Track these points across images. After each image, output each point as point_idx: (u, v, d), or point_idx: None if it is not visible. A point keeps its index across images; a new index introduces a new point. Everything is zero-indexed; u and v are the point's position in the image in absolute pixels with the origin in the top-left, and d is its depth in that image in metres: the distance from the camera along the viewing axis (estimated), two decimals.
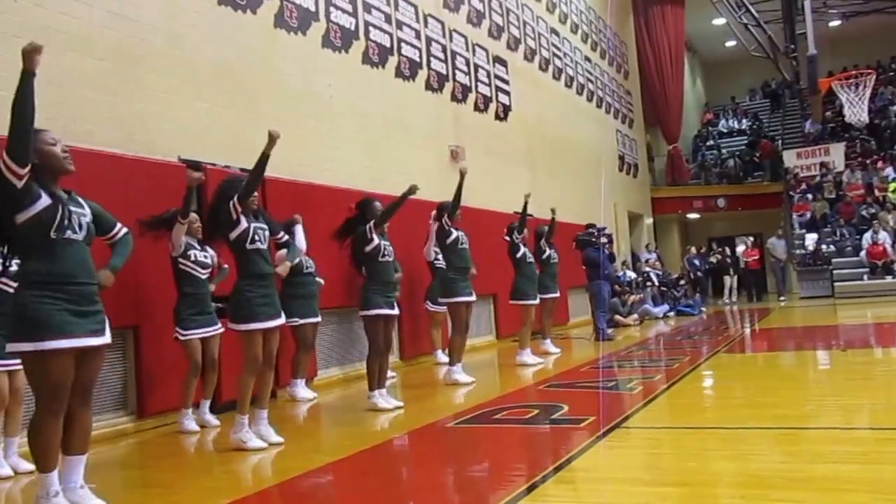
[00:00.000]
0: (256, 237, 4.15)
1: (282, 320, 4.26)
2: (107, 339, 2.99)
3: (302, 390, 5.94)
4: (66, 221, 2.85)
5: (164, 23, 5.82)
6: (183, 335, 4.77)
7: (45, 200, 2.82)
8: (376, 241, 5.19)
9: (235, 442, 4.04)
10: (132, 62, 5.52)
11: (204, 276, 4.91)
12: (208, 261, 4.94)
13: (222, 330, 4.88)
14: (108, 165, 5.01)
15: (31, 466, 3.85)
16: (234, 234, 4.12)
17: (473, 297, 6.33)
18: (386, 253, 5.21)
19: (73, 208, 2.93)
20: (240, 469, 3.82)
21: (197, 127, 5.99)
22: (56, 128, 4.78)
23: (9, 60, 4.66)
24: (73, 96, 5.06)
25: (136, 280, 5.00)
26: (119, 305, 4.91)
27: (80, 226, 2.92)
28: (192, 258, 4.83)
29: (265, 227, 4.25)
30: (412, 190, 5.42)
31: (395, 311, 5.29)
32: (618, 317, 11.69)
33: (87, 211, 3.02)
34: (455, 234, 6.29)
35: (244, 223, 4.12)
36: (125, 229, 3.21)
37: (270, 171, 6.34)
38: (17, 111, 2.76)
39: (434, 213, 6.49)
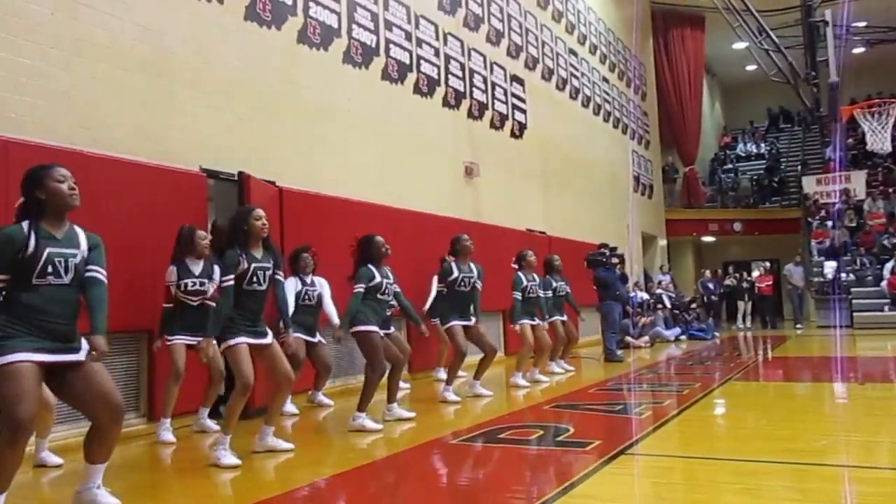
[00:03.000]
0: (255, 279, 4.13)
1: (270, 339, 4.22)
2: (79, 357, 2.91)
3: (290, 406, 5.91)
4: (49, 268, 2.85)
5: (191, 37, 5.94)
6: (169, 340, 4.81)
7: (30, 246, 2.83)
8: (378, 278, 5.15)
9: (212, 459, 4.01)
10: (160, 74, 5.63)
11: (195, 304, 4.90)
12: (204, 289, 4.91)
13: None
14: (133, 173, 5.14)
15: (59, 460, 4.02)
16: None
17: (472, 321, 6.29)
18: (386, 291, 5.21)
19: (61, 250, 2.89)
20: (243, 477, 3.83)
21: (219, 138, 6.08)
22: (86, 136, 4.97)
23: (44, 71, 4.79)
24: (103, 106, 5.19)
25: (151, 285, 5.08)
26: (133, 309, 4.99)
27: (67, 269, 2.90)
28: (184, 288, 4.84)
29: (269, 265, 4.20)
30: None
31: (390, 330, 5.29)
32: (628, 338, 11.60)
33: (82, 248, 2.98)
34: (455, 273, 6.24)
35: (245, 264, 4.11)
36: (100, 277, 3.02)
37: (288, 183, 6.51)
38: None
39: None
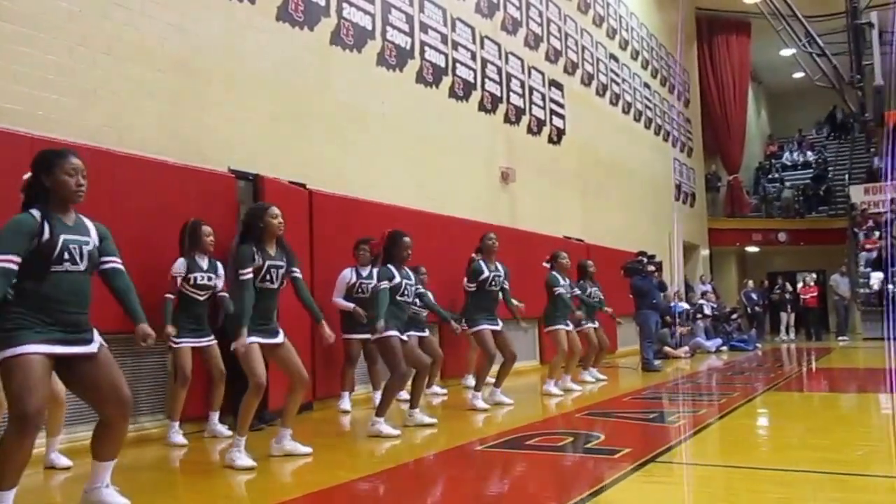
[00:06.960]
0: (269, 276, 4.07)
1: (282, 338, 4.12)
2: (92, 348, 2.87)
3: (346, 402, 6.11)
4: (65, 254, 2.81)
5: (222, 37, 5.97)
6: (176, 343, 4.73)
7: (45, 232, 2.79)
8: (397, 279, 5.02)
9: (227, 461, 3.95)
10: (190, 74, 5.67)
11: (202, 299, 4.85)
12: (212, 283, 4.87)
13: (215, 341, 4.88)
14: (161, 173, 5.15)
15: (69, 462, 3.96)
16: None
17: (498, 326, 6.21)
18: (405, 292, 5.06)
19: (74, 237, 2.87)
20: (263, 479, 3.80)
21: (248, 139, 6.11)
22: (113, 135, 5.01)
23: (72, 69, 4.86)
24: (132, 105, 5.22)
25: None
26: (161, 312, 4.92)
27: (82, 256, 2.86)
28: (192, 282, 4.79)
29: (282, 264, 4.14)
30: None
31: (421, 333, 5.21)
32: (667, 348, 11.33)
33: (93, 237, 2.96)
34: (486, 273, 6.19)
35: (260, 261, 4.05)
36: (121, 267, 3.04)
37: (319, 185, 6.51)
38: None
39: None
